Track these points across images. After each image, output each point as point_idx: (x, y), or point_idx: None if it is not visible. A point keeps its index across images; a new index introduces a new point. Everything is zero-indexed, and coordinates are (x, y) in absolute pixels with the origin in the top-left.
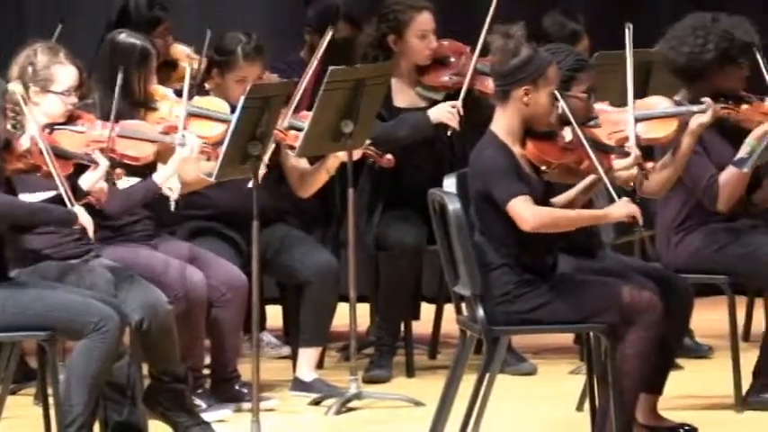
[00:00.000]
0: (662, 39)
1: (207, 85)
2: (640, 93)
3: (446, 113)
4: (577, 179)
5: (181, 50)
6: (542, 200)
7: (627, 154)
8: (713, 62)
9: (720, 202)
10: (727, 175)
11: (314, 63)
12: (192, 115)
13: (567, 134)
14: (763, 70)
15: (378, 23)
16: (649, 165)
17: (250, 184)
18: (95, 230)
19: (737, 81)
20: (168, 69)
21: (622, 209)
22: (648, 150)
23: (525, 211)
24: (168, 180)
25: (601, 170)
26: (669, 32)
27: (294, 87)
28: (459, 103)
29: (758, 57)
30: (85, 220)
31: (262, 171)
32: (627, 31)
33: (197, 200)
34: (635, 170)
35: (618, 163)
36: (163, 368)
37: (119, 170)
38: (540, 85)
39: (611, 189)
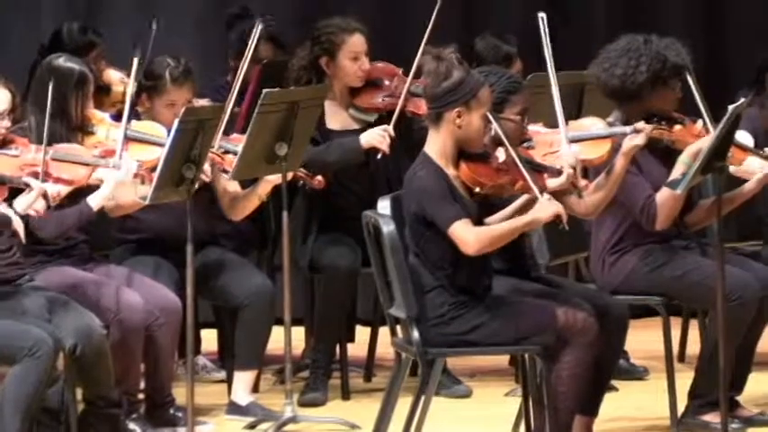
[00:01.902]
0: (595, 60)
1: (139, 109)
2: (574, 114)
3: (377, 137)
4: (509, 194)
5: (113, 75)
6: (477, 220)
7: (560, 172)
8: (646, 84)
9: (659, 222)
10: (663, 195)
11: (237, 85)
12: (129, 139)
13: (500, 155)
14: (695, 92)
15: (310, 46)
16: (583, 182)
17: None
18: (28, 253)
19: (670, 102)
20: (101, 94)
21: (548, 209)
22: (582, 172)
23: (468, 235)
24: (102, 204)
25: (535, 189)
26: (602, 54)
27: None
28: (389, 127)
29: (689, 79)
30: (17, 223)
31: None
32: (540, 22)
33: (131, 223)
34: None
35: (551, 182)
36: (97, 393)
37: (54, 193)
38: (473, 107)
39: None
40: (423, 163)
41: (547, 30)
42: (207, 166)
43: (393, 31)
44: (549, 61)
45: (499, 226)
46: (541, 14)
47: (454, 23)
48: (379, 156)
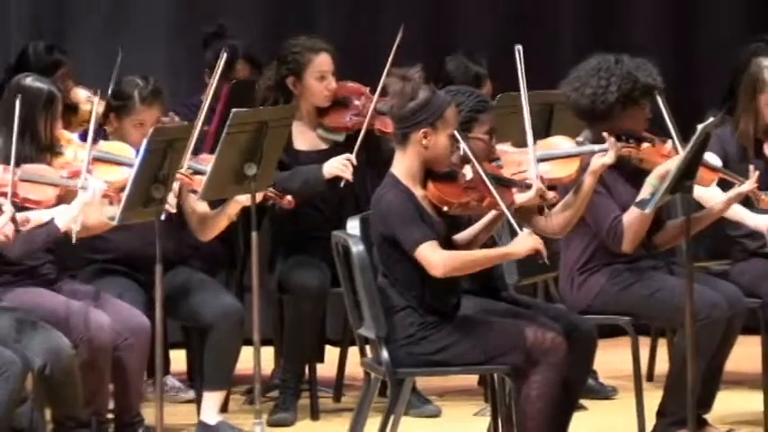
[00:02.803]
0: (565, 80)
1: (107, 129)
2: (543, 133)
3: (339, 166)
4: (478, 211)
5: (81, 94)
6: (446, 239)
7: (528, 187)
8: (616, 103)
9: (625, 243)
10: (631, 216)
11: (206, 104)
12: (97, 159)
13: (467, 173)
14: (664, 113)
15: (277, 66)
16: (551, 194)
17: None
18: None
19: (640, 122)
20: (69, 113)
21: (526, 243)
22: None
23: (434, 257)
24: (70, 224)
25: (503, 206)
26: (572, 73)
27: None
28: (352, 156)
29: (659, 99)
30: None
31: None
32: (516, 54)
33: (99, 243)
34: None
35: (520, 197)
36: (66, 413)
37: (22, 217)
38: (439, 127)
39: (514, 224)
40: (390, 184)
41: (522, 61)
42: (172, 198)
43: (360, 50)
44: (523, 91)
45: (471, 253)
46: (518, 47)
47: (422, 43)
48: (342, 184)
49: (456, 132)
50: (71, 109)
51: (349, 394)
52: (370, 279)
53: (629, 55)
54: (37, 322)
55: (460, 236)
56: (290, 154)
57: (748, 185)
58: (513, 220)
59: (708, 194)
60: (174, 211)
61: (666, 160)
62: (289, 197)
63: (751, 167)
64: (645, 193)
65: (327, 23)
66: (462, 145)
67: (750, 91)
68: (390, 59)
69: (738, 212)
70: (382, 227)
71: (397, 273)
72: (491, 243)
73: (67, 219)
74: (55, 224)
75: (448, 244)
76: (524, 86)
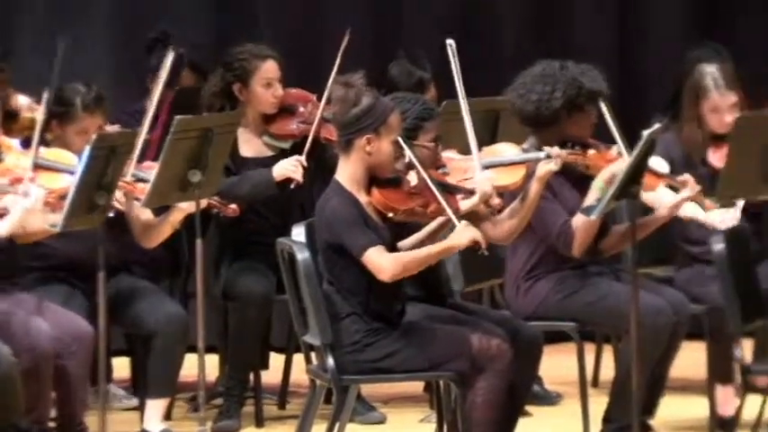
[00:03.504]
0: (510, 86)
1: (48, 136)
2: (488, 140)
3: (290, 168)
4: (423, 218)
5: (22, 101)
6: (391, 245)
7: (473, 193)
8: (561, 110)
9: (575, 247)
10: (577, 222)
11: (150, 111)
12: (39, 167)
13: (412, 178)
14: (608, 119)
15: (223, 72)
16: (496, 201)
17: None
18: None
19: (585, 128)
20: (9, 120)
21: (465, 234)
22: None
23: (382, 262)
24: (9, 231)
25: (449, 211)
26: (517, 80)
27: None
28: (302, 157)
29: (602, 106)
30: None
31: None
32: (449, 48)
33: (41, 250)
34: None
35: (465, 203)
36: (7, 421)
37: None
38: (383, 133)
39: None
40: (334, 191)
41: (456, 56)
42: (120, 194)
43: (306, 57)
44: (458, 87)
45: (415, 252)
46: (449, 41)
47: (367, 49)
48: (292, 185)
49: (400, 139)
50: (11, 116)
51: (294, 401)
52: (316, 286)
53: (574, 61)
54: None
55: (405, 243)
56: (236, 161)
57: (690, 191)
58: (458, 223)
59: (657, 197)
60: (122, 208)
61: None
62: (233, 206)
63: (687, 175)
64: (591, 197)
65: (271, 30)
66: (407, 152)
67: (693, 97)
68: (336, 66)
69: (691, 211)
70: (327, 234)
71: (342, 279)
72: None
73: (8, 225)
74: None
75: (393, 251)
76: (460, 82)
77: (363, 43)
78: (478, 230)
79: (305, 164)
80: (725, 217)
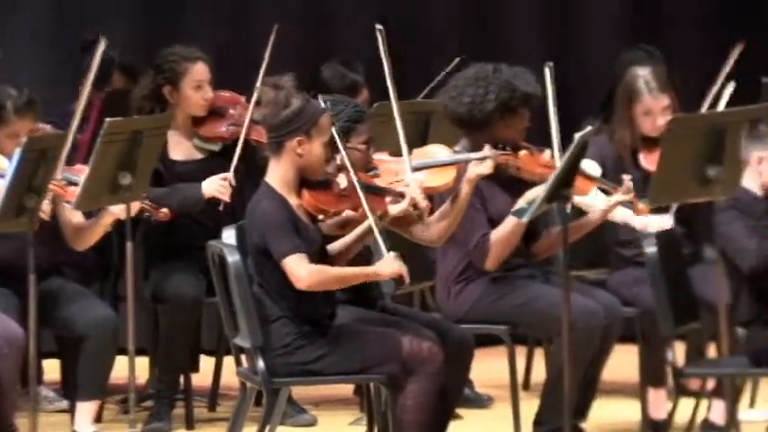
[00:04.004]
0: (444, 88)
1: None
2: (420, 143)
3: (218, 187)
4: (353, 220)
5: None
6: (321, 247)
7: (402, 196)
8: (494, 112)
9: (489, 261)
10: (504, 226)
11: (78, 113)
12: None
13: (342, 181)
14: (552, 122)
15: (153, 75)
16: (424, 204)
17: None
18: None
19: (517, 131)
20: None
21: (391, 266)
22: (428, 200)
23: (300, 270)
24: None
25: (372, 218)
26: (450, 82)
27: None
28: (230, 175)
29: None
30: None
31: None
32: (378, 34)
33: None
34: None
35: (393, 207)
36: None
37: None
38: (314, 134)
39: (379, 239)
40: (264, 193)
41: (385, 41)
42: (47, 204)
43: (236, 59)
44: (389, 79)
45: (337, 270)
46: (379, 26)
47: (298, 50)
48: (221, 207)
49: (337, 138)
50: None
51: (224, 404)
52: (246, 289)
53: (508, 64)
54: None
55: (333, 245)
56: (166, 164)
57: (622, 195)
58: (377, 231)
59: (589, 201)
60: (47, 218)
61: (544, 169)
62: (164, 210)
63: (625, 177)
64: (522, 202)
65: (201, 32)
66: (342, 153)
67: (626, 100)
68: (264, 65)
69: (623, 215)
70: (257, 236)
71: (272, 282)
72: (366, 252)
73: None
74: None
75: (323, 253)
76: (389, 67)
77: (294, 44)
78: (408, 233)
79: (233, 183)
80: (657, 220)
